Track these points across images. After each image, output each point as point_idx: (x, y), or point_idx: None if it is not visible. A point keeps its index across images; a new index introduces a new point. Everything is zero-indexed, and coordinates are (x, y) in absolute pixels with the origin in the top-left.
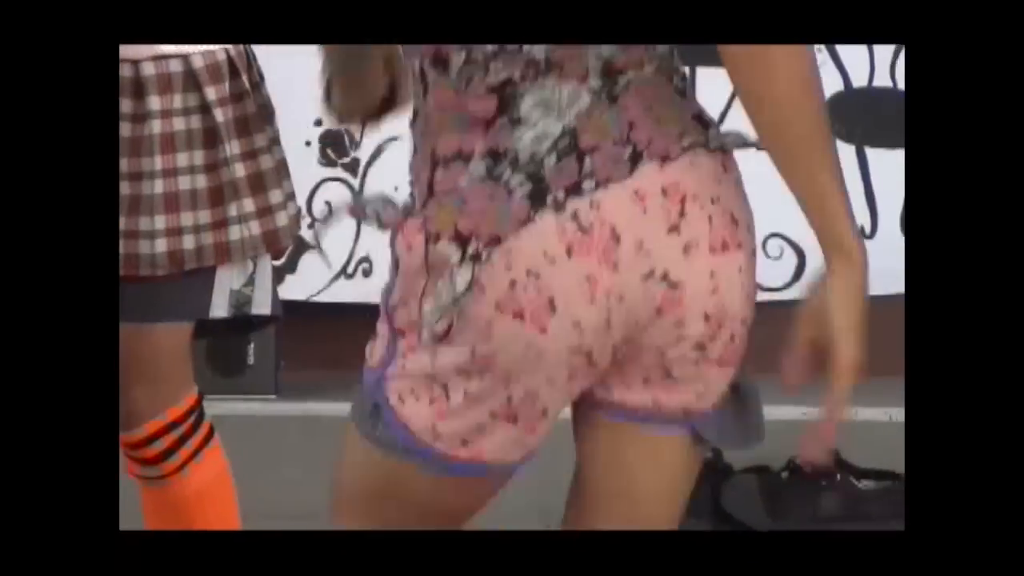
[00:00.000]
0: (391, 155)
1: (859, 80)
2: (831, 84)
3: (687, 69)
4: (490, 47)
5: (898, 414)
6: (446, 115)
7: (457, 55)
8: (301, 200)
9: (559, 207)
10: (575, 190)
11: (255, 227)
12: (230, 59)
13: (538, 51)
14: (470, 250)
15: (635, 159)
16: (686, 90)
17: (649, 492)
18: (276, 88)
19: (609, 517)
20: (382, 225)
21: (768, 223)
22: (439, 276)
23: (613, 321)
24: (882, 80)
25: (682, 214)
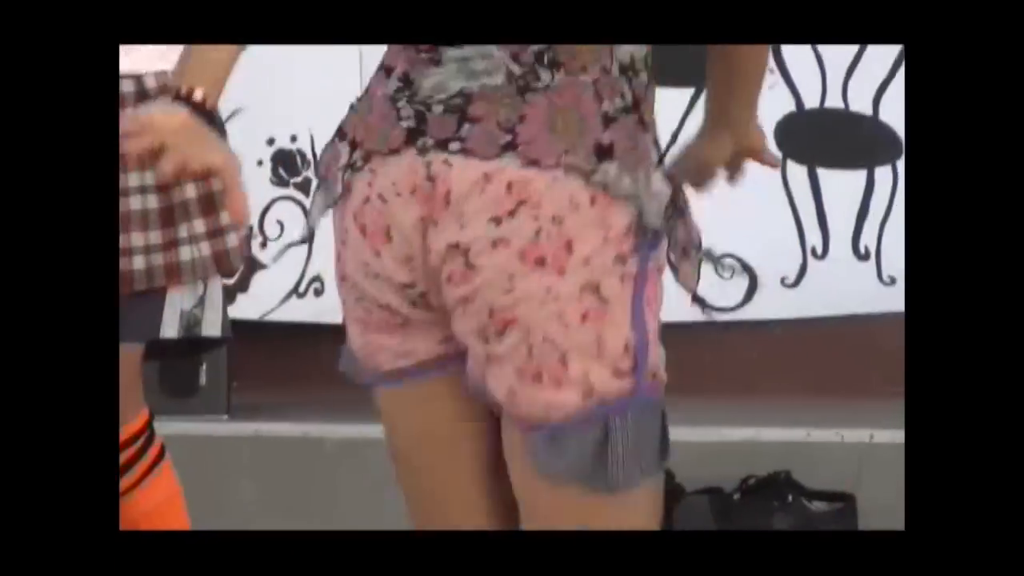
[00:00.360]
0: None
1: (811, 101)
2: (783, 105)
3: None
4: None
5: (850, 435)
6: None
7: None
8: (253, 220)
9: (423, 151)
10: (442, 145)
11: (206, 248)
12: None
13: None
14: (352, 157)
15: (506, 148)
16: (618, 118)
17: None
18: (228, 108)
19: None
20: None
21: (719, 243)
22: (327, 168)
23: (427, 272)
24: (834, 101)
25: (511, 213)
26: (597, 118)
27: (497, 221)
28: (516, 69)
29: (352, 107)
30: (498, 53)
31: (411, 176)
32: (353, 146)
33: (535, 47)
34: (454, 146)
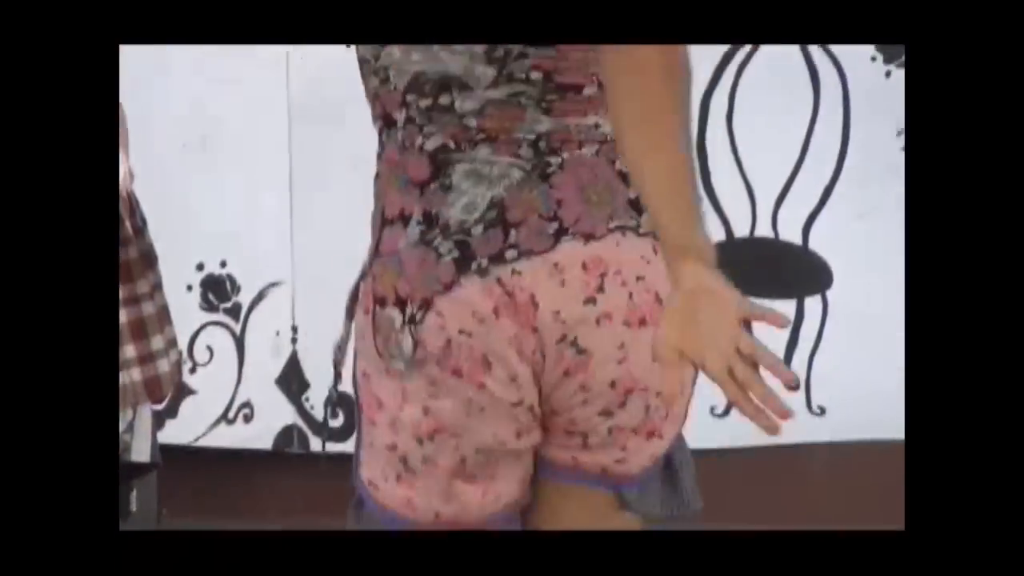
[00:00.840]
0: (273, 300)
1: (741, 230)
2: (714, 233)
3: None
4: (423, 104)
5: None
6: (392, 175)
7: (399, 113)
8: (182, 345)
9: (483, 273)
10: (499, 258)
11: (136, 374)
12: None
13: (470, 119)
14: (408, 313)
15: (559, 234)
16: (628, 174)
17: None
18: (158, 233)
19: None
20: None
21: None
22: (387, 340)
23: (540, 378)
24: (764, 230)
25: (600, 288)
26: (618, 178)
27: (592, 300)
28: (526, 164)
29: (363, 275)
30: (496, 157)
31: (488, 299)
32: (402, 304)
33: (528, 136)
34: (511, 254)
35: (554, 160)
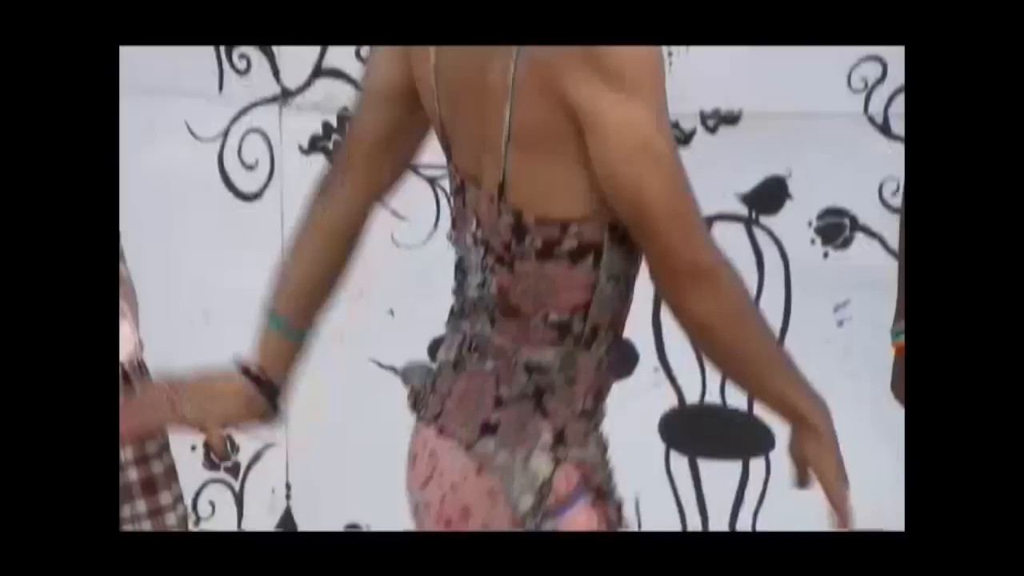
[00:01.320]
0: (268, 460)
1: (692, 397)
2: (667, 402)
3: None
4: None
5: None
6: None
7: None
8: (187, 500)
9: (419, 417)
10: (424, 416)
11: (147, 526)
12: (124, 373)
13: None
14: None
15: (434, 418)
16: (510, 403)
17: None
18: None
19: None
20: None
21: None
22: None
23: None
24: (712, 397)
25: (428, 480)
26: (491, 399)
27: (424, 485)
28: (458, 352)
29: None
30: (453, 337)
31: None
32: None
33: (472, 333)
34: (423, 413)
35: (470, 361)
